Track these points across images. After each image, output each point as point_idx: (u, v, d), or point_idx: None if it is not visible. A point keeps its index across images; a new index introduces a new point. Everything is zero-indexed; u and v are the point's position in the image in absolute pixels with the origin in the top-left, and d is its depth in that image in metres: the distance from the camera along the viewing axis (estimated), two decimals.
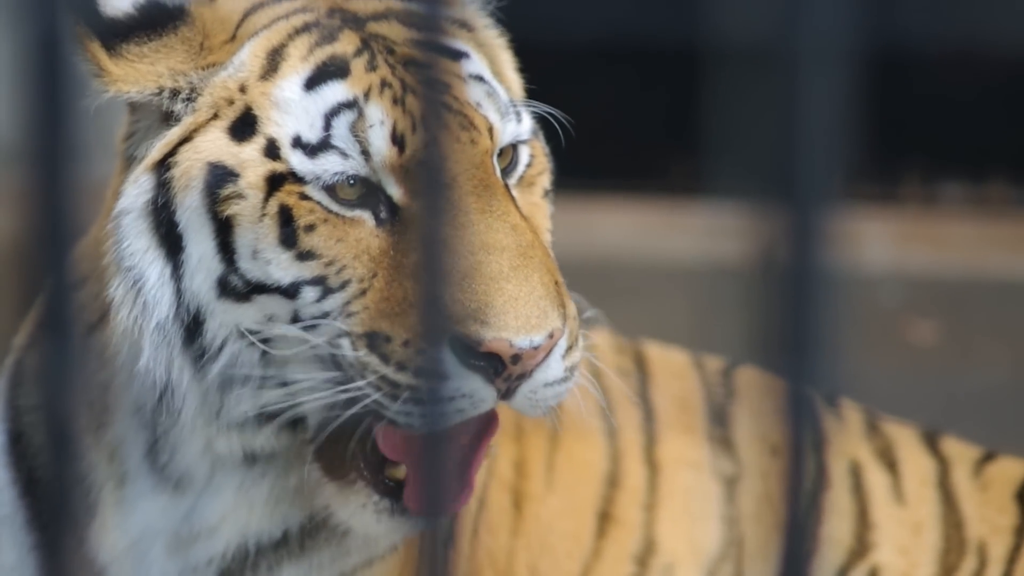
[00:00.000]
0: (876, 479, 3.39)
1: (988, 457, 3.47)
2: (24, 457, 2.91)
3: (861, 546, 3.34)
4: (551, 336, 2.54)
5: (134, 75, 2.66)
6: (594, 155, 6.45)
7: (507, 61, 2.87)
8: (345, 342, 2.58)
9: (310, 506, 2.82)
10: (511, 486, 3.17)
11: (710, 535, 3.28)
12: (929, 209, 6.54)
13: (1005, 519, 3.39)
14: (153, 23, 2.68)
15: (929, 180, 6.69)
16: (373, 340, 2.57)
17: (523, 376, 2.55)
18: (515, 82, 2.87)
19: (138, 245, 2.65)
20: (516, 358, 2.53)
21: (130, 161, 2.71)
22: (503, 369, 2.53)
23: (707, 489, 3.30)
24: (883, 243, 6.06)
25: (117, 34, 2.67)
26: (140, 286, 2.65)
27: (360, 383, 2.57)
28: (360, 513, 2.69)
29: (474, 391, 2.54)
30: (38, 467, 2.90)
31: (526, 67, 2.91)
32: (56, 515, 1.93)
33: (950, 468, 3.43)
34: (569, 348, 2.60)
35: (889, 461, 3.41)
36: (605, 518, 3.25)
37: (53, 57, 1.79)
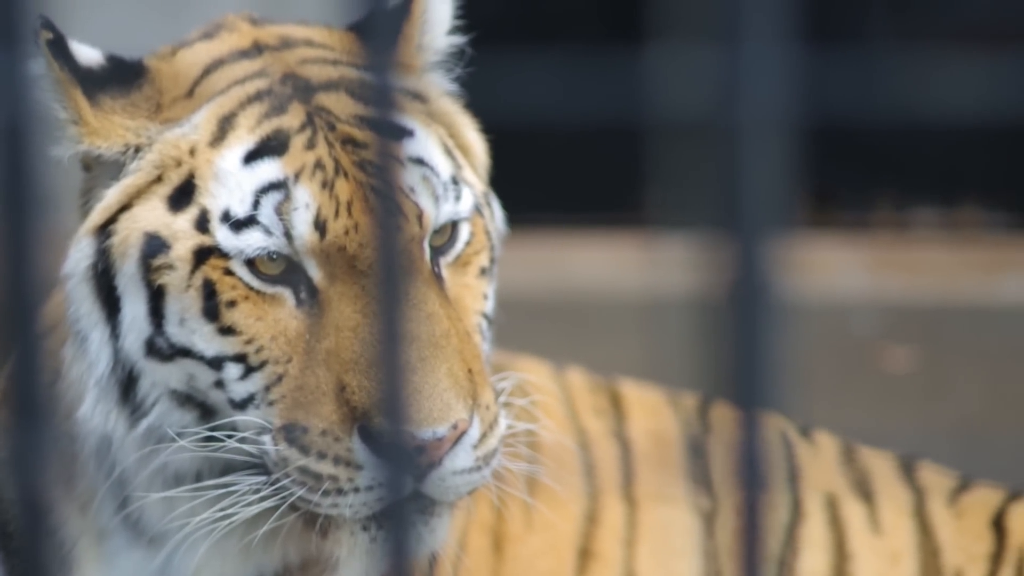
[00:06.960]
0: (853, 510, 3.39)
1: (964, 485, 3.48)
2: None
3: None
4: (455, 427, 2.57)
5: (108, 128, 2.69)
6: (563, 192, 6.46)
7: (466, 125, 2.88)
8: (267, 438, 2.63)
9: (286, 553, 2.82)
10: (490, 528, 3.18)
11: (689, 569, 3.28)
12: (902, 235, 6.55)
13: (981, 546, 3.39)
14: (121, 79, 2.71)
15: (901, 206, 6.70)
16: (291, 432, 2.61)
17: (432, 465, 2.59)
18: (476, 145, 2.89)
19: (83, 309, 2.72)
20: (420, 449, 2.57)
21: (87, 217, 2.74)
22: (410, 459, 2.56)
23: (685, 523, 3.30)
24: (856, 270, 6.07)
25: (95, 84, 2.70)
26: (86, 346, 2.72)
27: (284, 481, 2.62)
28: (353, 550, 2.70)
29: (388, 479, 2.57)
30: (11, 520, 2.90)
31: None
32: (28, 570, 1.93)
33: (926, 497, 3.43)
34: (483, 436, 2.64)
35: (865, 492, 3.42)
36: (585, 555, 3.26)
37: (24, 113, 1.79)
